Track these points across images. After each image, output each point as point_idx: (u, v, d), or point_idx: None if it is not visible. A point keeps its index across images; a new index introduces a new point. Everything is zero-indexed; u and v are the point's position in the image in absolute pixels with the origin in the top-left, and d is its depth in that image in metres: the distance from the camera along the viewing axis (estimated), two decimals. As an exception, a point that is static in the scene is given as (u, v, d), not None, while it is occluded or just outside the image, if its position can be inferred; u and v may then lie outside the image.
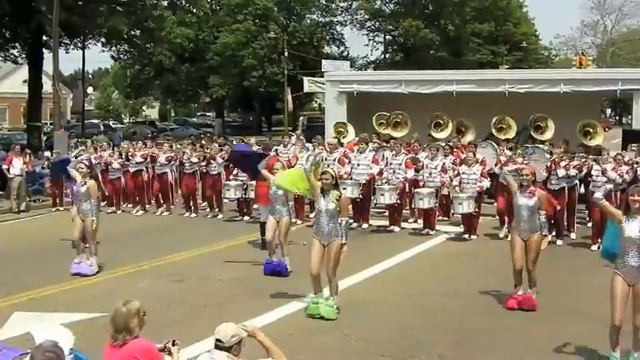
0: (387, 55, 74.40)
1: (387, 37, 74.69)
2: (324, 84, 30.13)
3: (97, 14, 40.49)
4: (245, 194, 19.51)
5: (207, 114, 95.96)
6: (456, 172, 17.69)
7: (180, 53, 66.83)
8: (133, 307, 6.05)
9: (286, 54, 60.17)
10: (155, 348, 6.13)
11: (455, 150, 19.69)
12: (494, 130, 21.60)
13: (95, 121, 72.33)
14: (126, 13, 42.10)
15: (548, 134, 21.10)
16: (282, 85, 59.63)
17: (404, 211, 19.24)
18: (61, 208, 22.40)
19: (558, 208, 15.95)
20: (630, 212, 8.37)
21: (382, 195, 18.14)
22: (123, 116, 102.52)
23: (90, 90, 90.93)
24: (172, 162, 21.62)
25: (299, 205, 18.39)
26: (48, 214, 22.50)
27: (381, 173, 18.57)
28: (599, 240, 16.00)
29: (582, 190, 18.04)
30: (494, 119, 21.69)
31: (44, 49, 40.11)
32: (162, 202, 21.74)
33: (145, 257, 14.86)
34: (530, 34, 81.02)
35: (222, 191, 20.11)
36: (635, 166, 16.80)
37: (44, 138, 40.02)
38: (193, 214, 20.99)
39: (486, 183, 17.48)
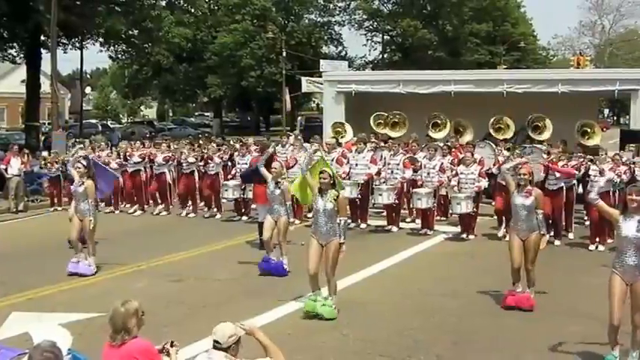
0: (385, 55, 74.46)
1: (385, 37, 74.76)
2: (322, 84, 30.17)
3: (95, 14, 40.55)
4: (243, 194, 19.51)
5: (206, 114, 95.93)
6: (454, 172, 17.71)
7: (178, 53, 66.85)
8: (132, 307, 6.05)
9: (284, 54, 60.16)
10: (154, 348, 6.13)
11: (453, 150, 19.71)
12: (492, 130, 21.62)
13: (93, 121, 72.35)
14: (124, 13, 42.15)
15: (546, 134, 21.12)
16: (280, 85, 59.61)
17: (402, 211, 19.25)
18: (59, 208, 22.41)
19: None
20: (628, 212, 8.38)
21: (380, 195, 18.15)
22: (121, 116, 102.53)
23: (88, 90, 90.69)
24: (170, 162, 21.61)
25: (297, 204, 18.37)
26: (46, 214, 22.50)
27: (379, 173, 18.58)
28: (597, 240, 16.08)
29: (580, 190, 18.05)
30: (492, 119, 21.72)
31: (42, 49, 40.17)
32: (160, 201, 21.72)
33: (143, 257, 14.85)
34: (528, 35, 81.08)
35: (221, 191, 20.12)
36: (632, 166, 16.82)
37: (42, 138, 40.04)
38: (192, 214, 20.98)
39: (484, 183, 17.50)
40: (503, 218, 16.97)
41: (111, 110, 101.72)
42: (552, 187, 16.66)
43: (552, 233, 16.21)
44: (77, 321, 10.46)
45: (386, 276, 13.72)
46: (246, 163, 19.21)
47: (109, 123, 76.65)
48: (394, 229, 18.41)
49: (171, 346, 6.27)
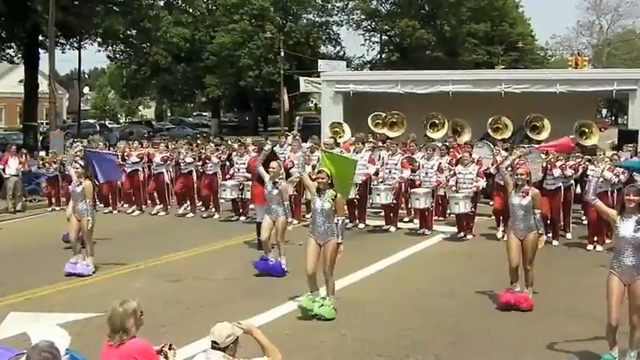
0: (383, 55, 74.50)
1: (383, 37, 74.80)
2: (320, 84, 30.22)
3: (93, 14, 40.56)
4: (241, 194, 19.51)
5: (204, 114, 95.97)
6: (452, 172, 17.71)
7: (176, 53, 66.88)
8: (130, 308, 6.05)
9: (282, 54, 60.17)
10: (152, 348, 6.13)
11: (451, 150, 19.71)
12: (490, 130, 21.62)
13: (91, 121, 72.36)
14: (122, 13, 42.17)
15: (544, 134, 21.12)
16: (279, 85, 59.62)
17: (400, 211, 19.25)
18: (57, 208, 22.39)
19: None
20: (625, 212, 8.39)
21: (378, 195, 18.16)
22: (119, 116, 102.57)
23: (86, 90, 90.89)
24: (168, 162, 21.61)
25: (295, 204, 18.39)
26: (44, 214, 22.48)
27: (377, 173, 18.58)
28: (595, 240, 16.09)
29: (578, 190, 18.06)
30: (490, 119, 21.72)
31: (40, 49, 40.19)
32: (158, 202, 21.71)
33: (141, 257, 14.84)
34: (526, 35, 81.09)
35: (219, 191, 20.12)
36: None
37: (40, 138, 40.04)
38: (190, 214, 20.97)
39: (482, 183, 17.51)
40: (501, 218, 16.97)
41: (109, 110, 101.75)
42: (550, 187, 16.67)
43: (550, 233, 16.24)
44: (75, 321, 10.47)
45: (384, 276, 13.73)
46: (244, 163, 19.24)
47: (107, 123, 76.61)
48: (392, 229, 18.42)
49: (170, 348, 6.27)
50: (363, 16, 73.73)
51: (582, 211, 18.14)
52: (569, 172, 16.84)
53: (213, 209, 20.80)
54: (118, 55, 52.64)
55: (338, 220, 10.71)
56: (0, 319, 10.66)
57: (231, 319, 6.31)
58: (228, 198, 19.93)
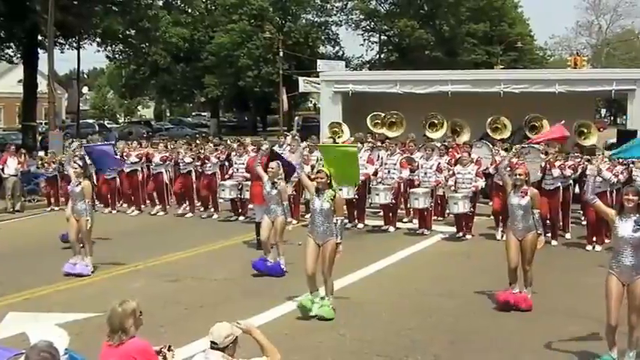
0: (382, 55, 74.49)
1: (382, 37, 74.78)
2: (319, 84, 30.19)
3: (92, 14, 40.51)
4: (240, 194, 19.51)
5: (203, 114, 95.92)
6: (451, 172, 17.71)
7: (175, 53, 66.86)
8: (129, 308, 6.04)
9: (281, 54, 60.15)
10: (151, 348, 6.13)
11: (450, 150, 19.72)
12: (489, 130, 21.64)
13: (90, 121, 72.29)
14: (121, 13, 42.11)
15: (543, 134, 21.11)
16: (278, 85, 59.60)
17: (399, 211, 19.25)
18: (56, 208, 22.39)
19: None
20: (624, 212, 8.39)
21: (377, 195, 18.17)
22: (118, 116, 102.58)
23: (85, 90, 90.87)
24: (167, 162, 21.61)
25: (294, 204, 18.39)
26: (43, 214, 22.47)
27: (376, 173, 18.58)
28: (594, 240, 16.09)
29: (577, 190, 18.06)
30: (489, 119, 21.74)
31: (39, 49, 40.14)
32: (157, 201, 21.71)
33: (140, 257, 14.85)
34: (525, 35, 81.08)
35: (218, 191, 20.11)
36: (631, 166, 16.81)
37: (39, 138, 40.01)
38: (189, 214, 20.97)
39: (481, 183, 17.51)
40: (500, 218, 16.96)
41: (108, 110, 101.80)
42: (549, 187, 16.67)
43: (549, 233, 16.24)
44: (74, 321, 10.47)
45: (383, 276, 13.73)
46: (243, 163, 19.25)
47: (106, 123, 76.65)
48: (391, 229, 18.42)
49: (168, 350, 6.27)
50: (362, 16, 73.72)
51: (581, 212, 18.13)
52: (568, 172, 16.85)
53: (212, 209, 20.80)
54: (117, 55, 52.57)
55: (337, 220, 10.71)
56: (-1, 319, 10.67)
57: (230, 319, 6.31)
58: (227, 198, 19.93)
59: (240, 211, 20.21)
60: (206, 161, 20.58)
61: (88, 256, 13.71)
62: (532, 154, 17.86)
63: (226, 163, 20.98)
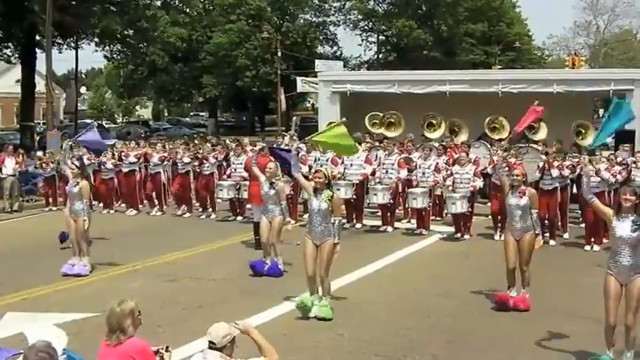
0: (380, 55, 74.41)
1: (380, 37, 74.68)
2: (317, 84, 30.13)
3: (90, 14, 40.55)
4: (238, 194, 19.51)
5: (201, 114, 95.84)
6: (449, 172, 17.71)
7: (173, 53, 66.80)
8: (127, 308, 6.04)
9: (279, 54, 60.10)
10: (150, 348, 6.13)
11: (448, 150, 19.72)
12: (487, 130, 21.61)
13: (88, 121, 71.94)
14: (119, 13, 42.17)
15: (542, 134, 21.12)
16: (276, 85, 59.55)
17: (397, 210, 19.25)
18: (54, 208, 22.40)
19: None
20: (622, 212, 8.40)
21: (375, 195, 18.17)
22: (116, 116, 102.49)
23: (83, 90, 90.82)
24: (166, 162, 21.61)
25: (292, 204, 18.39)
26: (41, 214, 22.46)
27: (373, 173, 18.58)
28: (592, 240, 16.10)
29: (575, 190, 18.06)
30: (487, 119, 21.71)
31: (37, 49, 40.19)
32: (156, 202, 21.70)
33: (138, 257, 14.84)
34: (523, 35, 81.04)
35: (215, 191, 20.10)
36: (630, 165, 16.82)
37: (37, 138, 40.01)
38: (187, 214, 20.97)
39: (479, 183, 17.51)
40: (499, 218, 16.96)
41: (106, 110, 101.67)
42: (547, 187, 16.68)
43: (547, 233, 16.25)
44: (72, 321, 10.47)
45: (381, 276, 13.73)
46: (241, 163, 19.25)
47: (104, 123, 76.53)
48: (389, 229, 18.42)
49: (166, 350, 6.27)
50: (360, 16, 73.63)
51: (579, 212, 18.13)
52: (566, 172, 16.86)
53: (210, 209, 20.79)
54: (115, 55, 52.60)
55: (335, 220, 10.71)
56: (-3, 320, 10.67)
57: (229, 319, 6.31)
58: (224, 198, 19.93)
59: (237, 211, 20.20)
60: (204, 161, 20.57)
61: (85, 256, 13.69)
62: (530, 154, 17.86)
63: (224, 163, 20.99)
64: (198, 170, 20.83)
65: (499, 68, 55.49)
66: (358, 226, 18.83)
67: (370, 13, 73.03)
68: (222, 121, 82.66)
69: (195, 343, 8.54)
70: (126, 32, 45.80)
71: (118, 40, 47.25)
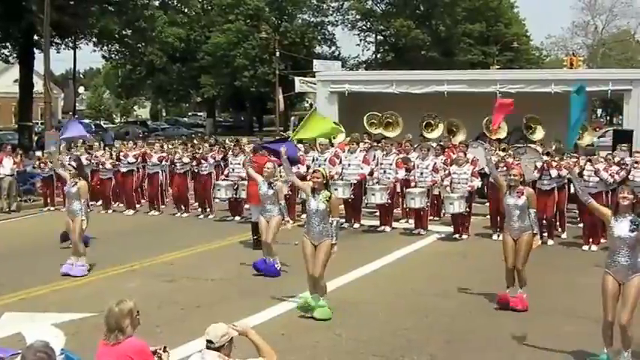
0: (378, 55, 74.48)
1: (379, 37, 74.77)
2: (315, 84, 30.16)
3: (89, 14, 40.51)
4: (236, 194, 19.50)
5: (199, 114, 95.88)
6: (446, 172, 17.70)
7: (171, 53, 66.85)
8: (126, 308, 6.05)
9: (277, 54, 60.13)
10: (148, 348, 6.13)
11: (446, 150, 19.72)
12: (485, 130, 21.61)
13: (86, 120, 72.09)
14: (117, 13, 42.13)
15: (540, 134, 21.14)
16: (274, 85, 59.59)
17: (395, 211, 19.25)
18: (52, 208, 22.40)
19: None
20: (620, 212, 8.41)
21: (373, 195, 18.16)
22: (114, 116, 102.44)
23: (81, 90, 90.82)
24: (164, 162, 21.60)
25: (290, 204, 18.37)
26: (39, 214, 22.44)
27: (371, 173, 18.58)
28: (591, 240, 16.10)
29: (573, 190, 18.06)
30: (485, 119, 21.71)
31: (35, 49, 40.15)
32: (153, 202, 21.69)
33: (136, 257, 14.82)
34: (521, 35, 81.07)
35: (213, 191, 20.10)
36: (630, 165, 16.81)
37: (35, 138, 39.98)
38: (185, 214, 20.97)
39: (477, 183, 17.51)
40: (498, 219, 16.96)
41: (104, 110, 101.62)
42: (545, 187, 16.68)
43: (546, 233, 16.25)
44: (70, 321, 10.45)
45: (379, 276, 13.72)
46: (238, 163, 19.25)
47: (102, 123, 76.57)
48: (387, 229, 18.41)
49: (164, 351, 6.27)
50: (358, 16, 73.71)
51: (577, 211, 18.13)
52: (564, 172, 16.84)
53: (208, 209, 20.79)
54: (113, 55, 52.56)
55: (332, 220, 10.70)
56: (-5, 320, 10.65)
57: (227, 319, 6.32)
58: (222, 198, 19.92)
59: (236, 211, 20.19)
60: (202, 161, 20.56)
61: (81, 256, 13.67)
62: (529, 154, 17.87)
63: (222, 163, 20.99)
64: (196, 170, 20.82)
65: (497, 68, 55.44)
66: (356, 226, 18.83)
67: (368, 13, 73.10)
68: (221, 121, 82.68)
69: (194, 343, 8.54)
70: (124, 32, 45.76)
71: (116, 40, 47.20)
